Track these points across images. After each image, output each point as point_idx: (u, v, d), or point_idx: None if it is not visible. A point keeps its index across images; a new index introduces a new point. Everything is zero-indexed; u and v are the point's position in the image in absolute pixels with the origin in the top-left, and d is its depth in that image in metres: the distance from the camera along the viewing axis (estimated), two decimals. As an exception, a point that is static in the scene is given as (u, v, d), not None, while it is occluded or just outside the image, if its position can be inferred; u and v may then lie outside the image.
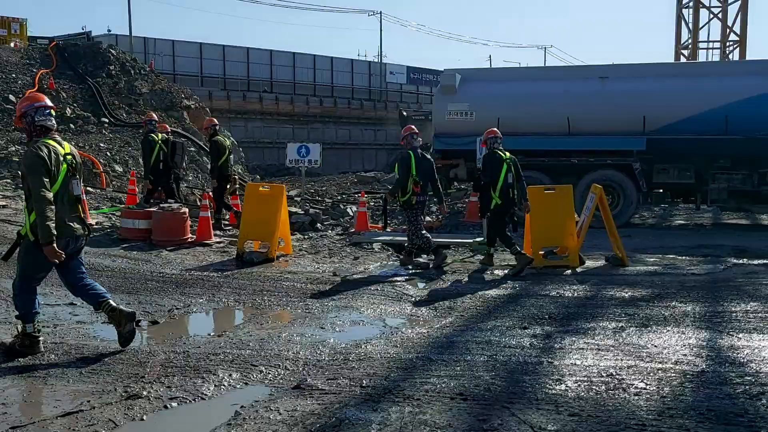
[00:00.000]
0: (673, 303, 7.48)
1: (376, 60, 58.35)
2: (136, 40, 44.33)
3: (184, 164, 13.33)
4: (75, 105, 28.10)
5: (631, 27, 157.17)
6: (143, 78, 31.47)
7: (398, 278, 9.00)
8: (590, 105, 14.11)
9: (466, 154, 14.86)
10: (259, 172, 45.27)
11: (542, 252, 10.12)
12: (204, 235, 11.10)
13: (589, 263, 10.06)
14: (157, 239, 10.73)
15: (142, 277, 8.79)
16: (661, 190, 14.77)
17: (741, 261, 10.19)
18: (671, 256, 10.64)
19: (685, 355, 5.54)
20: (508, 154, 9.85)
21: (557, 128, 14.25)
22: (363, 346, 5.84)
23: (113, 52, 31.48)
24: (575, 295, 8.06)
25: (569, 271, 9.52)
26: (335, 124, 50.75)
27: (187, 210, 11.10)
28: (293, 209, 14.09)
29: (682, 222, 15.98)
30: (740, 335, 6.12)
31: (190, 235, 11.12)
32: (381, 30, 64.88)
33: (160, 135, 12.49)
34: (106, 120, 27.80)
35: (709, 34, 29.35)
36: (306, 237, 12.57)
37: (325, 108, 50.72)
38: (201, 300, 7.70)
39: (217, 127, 12.92)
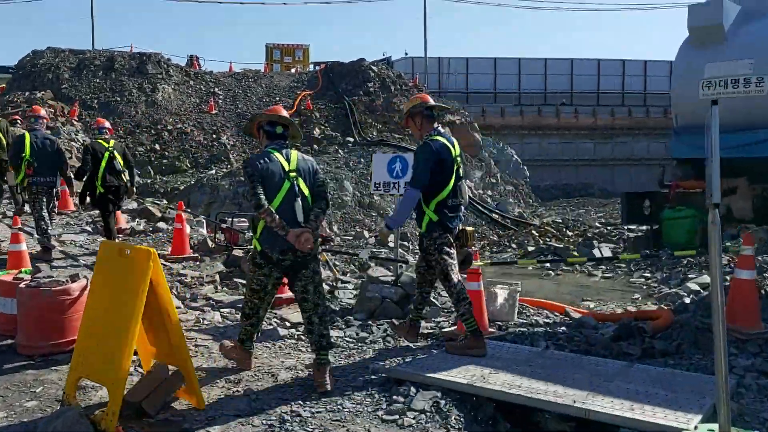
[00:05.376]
0: None
1: (705, 61, 45.78)
2: (431, 60, 40.50)
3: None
4: (326, 125, 24.64)
5: None
6: (403, 94, 26.87)
7: None
8: None
9: (751, 166, 6.39)
10: (554, 193, 37.75)
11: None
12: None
13: None
14: (23, 343, 5.15)
15: None
16: None
17: None
18: None
19: None
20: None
21: None
22: None
23: (374, 69, 27.56)
24: None
25: None
26: (647, 136, 40.46)
27: (75, 285, 5.22)
28: (377, 273, 7.25)
29: None
30: None
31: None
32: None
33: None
34: (351, 139, 23.78)
35: None
36: (361, 337, 5.80)
37: (634, 119, 40.80)
38: None
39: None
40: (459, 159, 5.01)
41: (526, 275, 13.20)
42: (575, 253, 14.36)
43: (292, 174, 4.45)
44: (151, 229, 10.11)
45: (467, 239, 5.10)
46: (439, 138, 4.95)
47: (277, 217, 4.34)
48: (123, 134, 21.90)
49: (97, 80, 23.55)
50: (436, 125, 5.04)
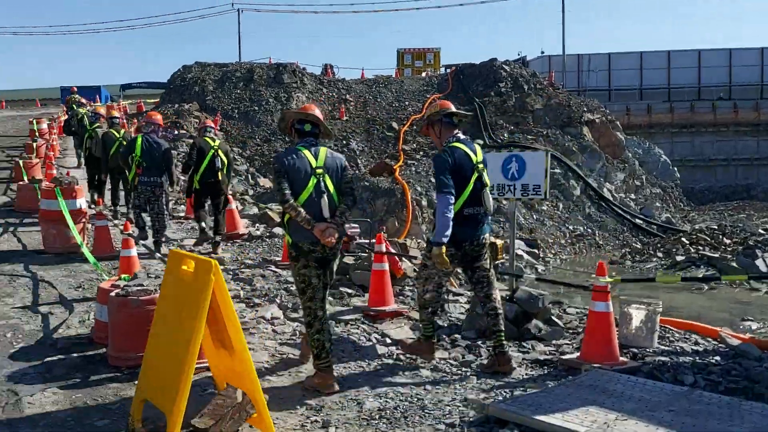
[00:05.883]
0: None
1: None
2: (569, 58, 38.47)
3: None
4: (455, 128, 24.02)
5: None
6: (537, 93, 25.54)
7: None
8: None
9: None
10: (709, 196, 34.26)
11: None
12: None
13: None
14: (112, 354, 5.01)
15: None
16: None
17: None
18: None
19: None
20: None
21: None
22: None
23: (506, 68, 26.46)
24: None
25: None
26: (823, 131, 35.63)
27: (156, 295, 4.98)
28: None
29: None
30: None
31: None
32: None
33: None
34: (481, 141, 22.92)
35: None
36: (466, 360, 5.08)
37: (807, 112, 36.13)
38: None
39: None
40: (481, 166, 4.80)
41: (673, 289, 11.67)
42: (733, 264, 12.58)
43: (319, 171, 4.49)
44: (268, 234, 10.02)
45: (497, 253, 4.85)
46: (457, 145, 4.80)
47: (303, 211, 4.38)
48: (260, 142, 22.67)
49: (238, 91, 24.61)
50: (456, 132, 4.88)
